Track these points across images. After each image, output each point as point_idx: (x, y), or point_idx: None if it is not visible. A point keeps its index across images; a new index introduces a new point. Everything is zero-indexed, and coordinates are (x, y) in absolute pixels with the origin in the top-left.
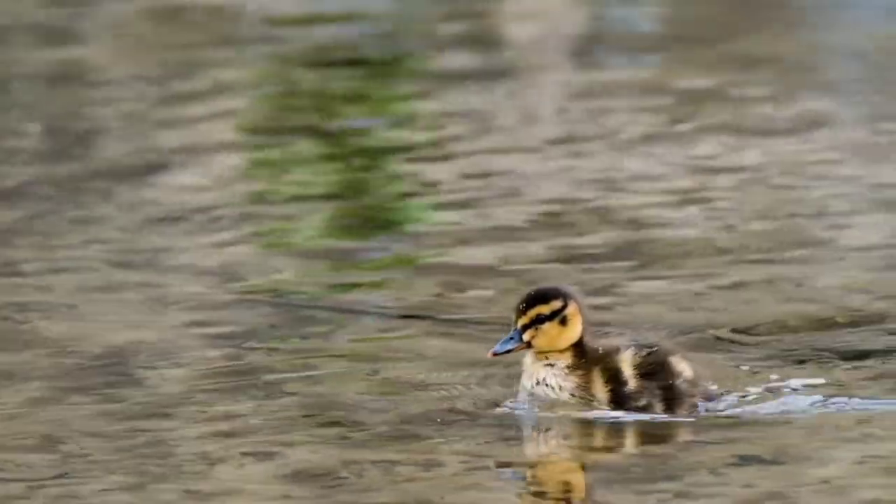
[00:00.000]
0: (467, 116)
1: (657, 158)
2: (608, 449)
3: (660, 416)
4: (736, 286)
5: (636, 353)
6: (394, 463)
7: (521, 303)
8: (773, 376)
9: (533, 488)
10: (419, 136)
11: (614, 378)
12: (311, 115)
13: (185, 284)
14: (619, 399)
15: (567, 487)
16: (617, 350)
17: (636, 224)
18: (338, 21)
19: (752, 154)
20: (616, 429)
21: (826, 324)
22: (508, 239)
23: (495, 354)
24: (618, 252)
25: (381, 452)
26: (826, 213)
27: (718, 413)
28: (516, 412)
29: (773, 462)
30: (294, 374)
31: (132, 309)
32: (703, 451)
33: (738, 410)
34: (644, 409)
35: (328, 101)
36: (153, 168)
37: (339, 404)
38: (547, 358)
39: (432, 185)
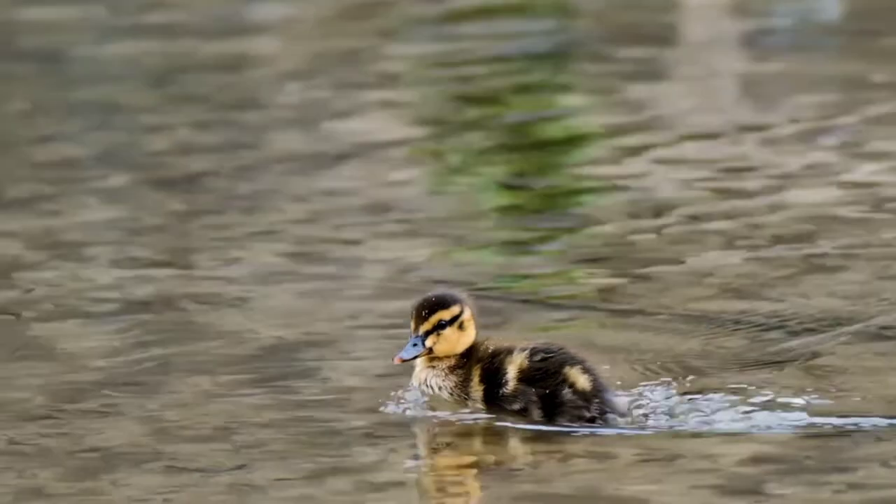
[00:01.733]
0: (641, 107)
1: (829, 150)
2: (781, 442)
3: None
4: None
5: (528, 357)
6: (568, 455)
7: (423, 309)
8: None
9: (706, 481)
10: (593, 127)
11: (491, 378)
12: (482, 107)
13: (359, 275)
14: (491, 399)
15: (744, 481)
16: (510, 351)
17: (809, 217)
18: (508, 13)
19: None
20: (789, 423)
21: None
22: (681, 231)
23: (403, 360)
24: (791, 244)
25: (556, 444)
26: None
27: (607, 427)
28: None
29: None
30: None
31: (306, 300)
32: (875, 444)
33: (636, 425)
34: (521, 413)
35: (500, 92)
36: (326, 159)
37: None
38: (439, 361)
39: (606, 177)
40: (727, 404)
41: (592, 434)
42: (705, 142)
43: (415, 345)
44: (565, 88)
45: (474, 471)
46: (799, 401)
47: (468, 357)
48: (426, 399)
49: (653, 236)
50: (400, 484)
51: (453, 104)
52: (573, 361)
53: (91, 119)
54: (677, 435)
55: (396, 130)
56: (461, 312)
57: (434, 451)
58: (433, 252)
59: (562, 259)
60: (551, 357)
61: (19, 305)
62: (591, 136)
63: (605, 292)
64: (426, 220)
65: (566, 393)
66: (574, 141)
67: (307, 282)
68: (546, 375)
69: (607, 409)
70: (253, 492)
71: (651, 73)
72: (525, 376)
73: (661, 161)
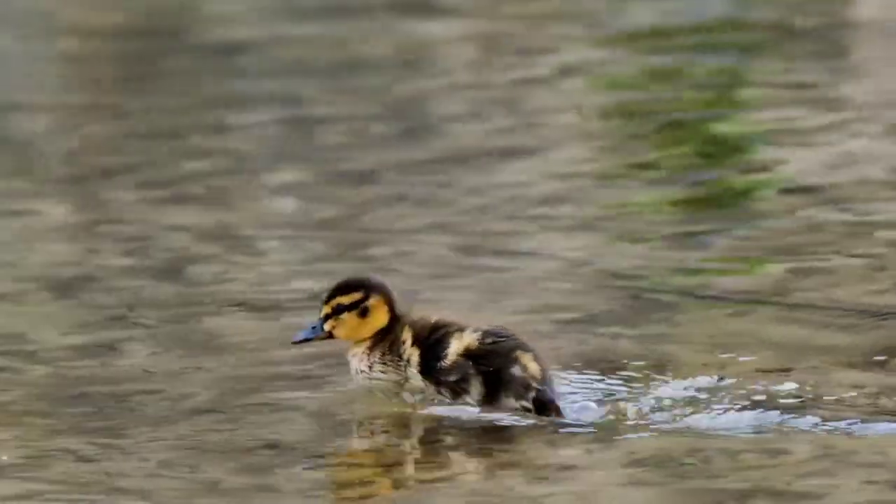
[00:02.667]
0: (815, 102)
1: None
2: None
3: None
4: None
5: (479, 339)
6: (739, 450)
7: (325, 292)
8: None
9: (881, 476)
10: (765, 122)
11: (429, 348)
12: (655, 102)
13: (530, 270)
14: (428, 371)
15: None
16: (461, 329)
17: None
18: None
19: None
20: None
21: None
22: (857, 224)
23: (295, 342)
24: None
25: (727, 440)
26: None
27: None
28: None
29: None
30: (639, 361)
31: (477, 295)
32: None
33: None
34: (458, 387)
35: (673, 86)
36: (499, 152)
37: (683, 391)
38: (359, 346)
39: (778, 170)
40: None
41: (764, 430)
42: (881, 138)
43: (313, 327)
44: (739, 86)
45: (645, 466)
46: None
47: (391, 330)
48: (366, 385)
49: (826, 230)
50: (572, 479)
51: (627, 99)
52: (525, 348)
53: (265, 112)
54: (850, 431)
55: (570, 125)
56: (364, 299)
57: (603, 445)
58: (604, 246)
59: (733, 253)
60: (502, 341)
61: (192, 300)
62: (764, 130)
63: (777, 286)
64: (598, 213)
65: (515, 370)
66: (746, 135)
67: (478, 276)
68: (494, 355)
69: (546, 402)
70: (425, 488)
71: (828, 71)
72: (469, 354)
73: (836, 156)
